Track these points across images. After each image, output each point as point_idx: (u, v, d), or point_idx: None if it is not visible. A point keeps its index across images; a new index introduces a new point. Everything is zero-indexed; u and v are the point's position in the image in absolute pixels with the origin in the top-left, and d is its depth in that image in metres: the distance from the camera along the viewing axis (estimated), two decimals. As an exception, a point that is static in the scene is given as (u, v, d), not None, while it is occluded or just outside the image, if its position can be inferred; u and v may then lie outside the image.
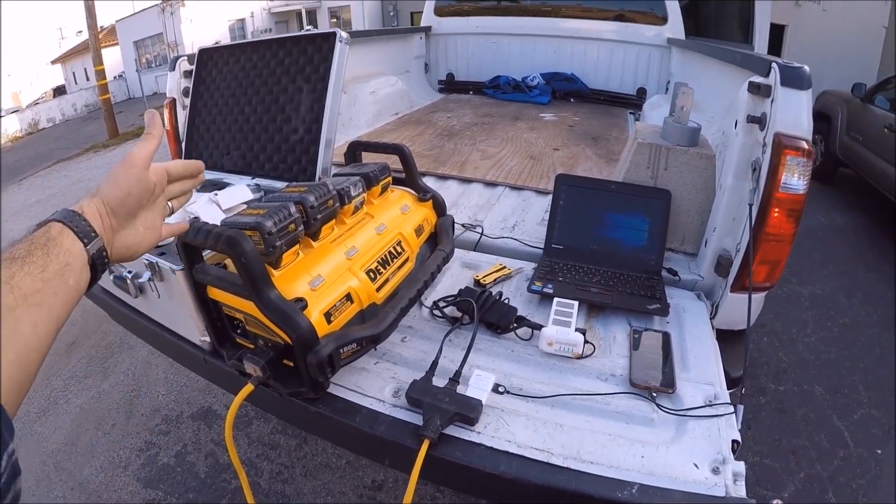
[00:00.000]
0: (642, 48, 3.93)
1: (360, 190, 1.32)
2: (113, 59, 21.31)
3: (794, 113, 1.33)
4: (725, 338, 1.48)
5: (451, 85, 4.63)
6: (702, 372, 1.25)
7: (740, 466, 1.00)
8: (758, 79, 1.43)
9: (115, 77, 20.59)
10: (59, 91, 27.41)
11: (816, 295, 3.53)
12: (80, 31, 25.32)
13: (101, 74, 10.80)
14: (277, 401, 1.23)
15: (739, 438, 1.07)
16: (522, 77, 4.29)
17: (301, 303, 1.04)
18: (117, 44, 22.78)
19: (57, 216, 0.61)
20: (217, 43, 2.17)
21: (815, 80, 1.37)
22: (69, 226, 0.60)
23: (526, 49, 4.35)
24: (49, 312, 0.53)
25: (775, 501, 1.97)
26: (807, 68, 1.34)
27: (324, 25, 21.81)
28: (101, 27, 12.15)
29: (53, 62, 30.56)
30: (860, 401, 2.58)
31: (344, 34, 1.62)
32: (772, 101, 1.36)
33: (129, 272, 1.58)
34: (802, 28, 9.01)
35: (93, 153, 10.00)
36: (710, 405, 1.14)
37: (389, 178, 1.48)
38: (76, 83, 27.63)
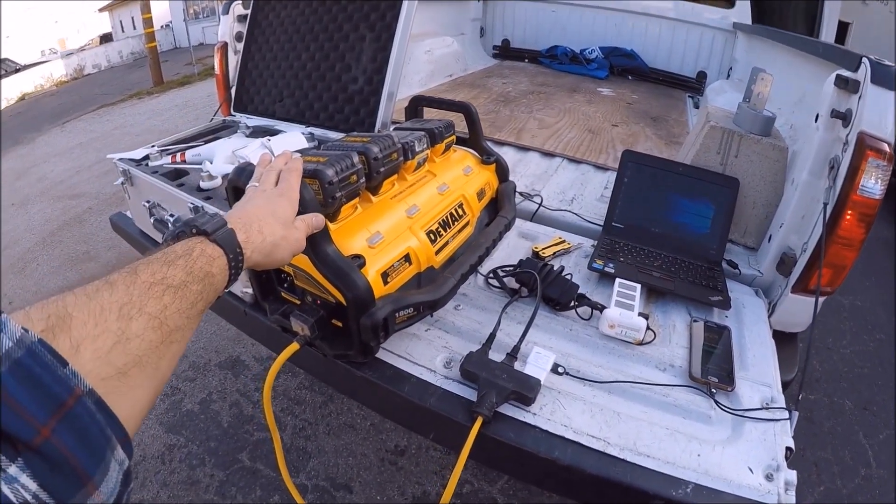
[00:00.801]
0: (706, 30, 3.78)
1: (425, 146, 1.26)
2: (160, 8, 21.28)
3: (880, 112, 1.26)
4: (776, 339, 1.41)
5: (506, 51, 4.52)
6: (760, 372, 1.20)
7: (792, 475, 0.96)
8: (846, 73, 1.36)
9: (161, 27, 20.59)
10: (106, 38, 27.58)
11: (856, 307, 3.42)
12: (128, -20, 25.37)
13: (148, 23, 10.78)
14: (320, 361, 1.18)
15: (793, 445, 1.02)
16: (580, 49, 4.17)
17: (359, 260, 0.98)
18: (166, -7, 22.82)
19: (225, 242, 0.60)
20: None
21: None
22: (231, 264, 0.60)
23: (586, 20, 4.21)
24: (183, 345, 0.52)
25: None
26: None
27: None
28: (150, -25, 12.16)
29: (101, 10, 30.77)
30: (888, 421, 2.50)
31: (413, -14, 1.55)
32: (859, 97, 1.29)
33: (171, 216, 1.55)
34: (868, 27, 8.60)
35: (136, 100, 10.02)
36: (767, 408, 1.10)
37: (454, 137, 1.42)
38: (123, 31, 27.77)
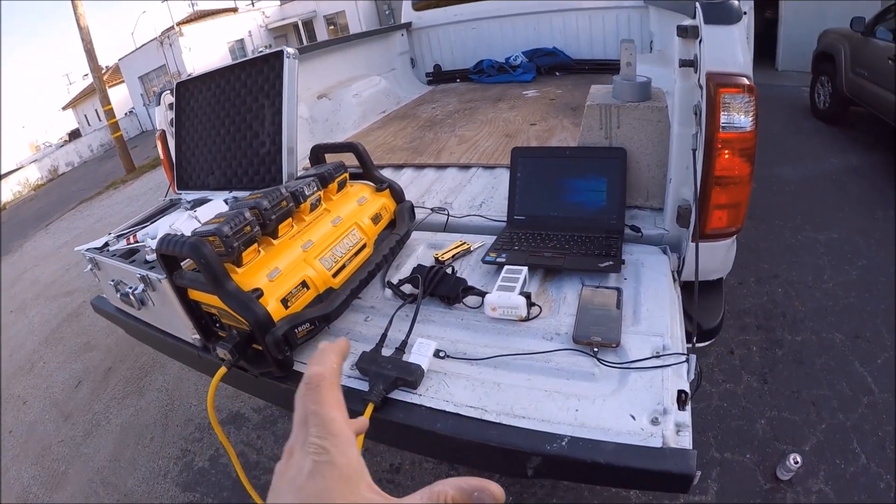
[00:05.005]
0: (620, 11, 3.87)
1: (315, 188, 1.44)
2: (121, 95, 21.59)
3: (724, 50, 1.29)
4: (703, 289, 1.47)
5: (438, 76, 4.66)
6: (652, 325, 1.24)
7: (684, 416, 0.99)
8: (686, 21, 1.41)
9: (125, 114, 20.83)
10: (74, 135, 27.79)
11: (832, 240, 3.39)
12: (85, 75, 25.64)
13: (110, 114, 11.02)
14: (259, 383, 1.35)
15: (688, 388, 1.06)
16: (506, 58, 4.28)
17: (257, 292, 1.18)
18: (123, 81, 23.13)
19: None
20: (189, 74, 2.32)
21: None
22: None
23: (506, 30, 4.35)
24: None
25: (792, 456, 1.84)
26: (734, 2, 1.30)
27: (321, 34, 21.87)
28: (104, 67, 12.36)
29: (65, 108, 31.35)
30: (883, 344, 2.48)
31: (291, 50, 1.76)
32: (699, 41, 1.34)
33: (130, 288, 1.73)
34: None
35: (112, 190, 10.33)
36: (658, 356, 1.14)
37: (345, 175, 1.59)
38: (89, 125, 28.03)
